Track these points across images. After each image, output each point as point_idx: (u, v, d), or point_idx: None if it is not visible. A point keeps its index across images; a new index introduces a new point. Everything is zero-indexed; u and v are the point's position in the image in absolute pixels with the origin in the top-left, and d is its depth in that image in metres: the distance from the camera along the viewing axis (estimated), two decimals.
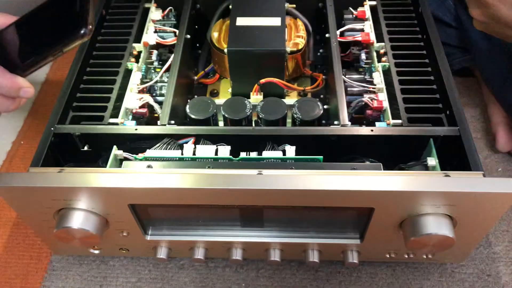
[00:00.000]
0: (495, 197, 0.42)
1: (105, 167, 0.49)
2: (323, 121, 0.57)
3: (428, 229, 0.44)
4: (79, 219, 0.45)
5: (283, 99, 0.56)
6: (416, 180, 0.42)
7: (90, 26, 0.40)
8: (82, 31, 0.39)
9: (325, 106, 0.60)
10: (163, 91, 0.59)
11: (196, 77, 0.67)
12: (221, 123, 0.57)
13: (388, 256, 0.53)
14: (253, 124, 0.56)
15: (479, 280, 0.55)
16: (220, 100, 0.62)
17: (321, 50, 0.69)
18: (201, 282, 0.56)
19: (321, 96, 0.64)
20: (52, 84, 0.79)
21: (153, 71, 0.61)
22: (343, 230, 0.51)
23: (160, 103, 0.56)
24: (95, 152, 0.52)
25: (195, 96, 0.65)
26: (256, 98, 0.60)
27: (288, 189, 0.42)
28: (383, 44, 0.59)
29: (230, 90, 0.64)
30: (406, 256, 0.53)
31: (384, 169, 0.47)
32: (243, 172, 0.44)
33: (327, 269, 0.57)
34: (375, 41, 0.59)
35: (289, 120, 0.56)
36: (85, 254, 0.57)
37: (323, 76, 0.64)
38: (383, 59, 0.58)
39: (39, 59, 0.42)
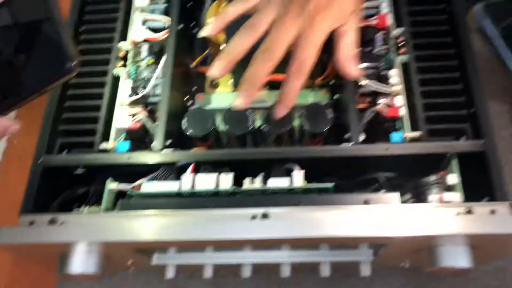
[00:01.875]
0: None
1: (102, 188, 0.47)
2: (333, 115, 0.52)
3: (445, 262, 0.42)
4: (80, 264, 0.43)
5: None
6: (434, 220, 0.39)
7: (75, 61, 0.35)
8: (66, 66, 0.35)
9: (334, 97, 0.55)
10: (158, 91, 0.54)
11: (193, 64, 0.61)
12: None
13: (402, 265, 0.52)
14: (259, 129, 0.51)
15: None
16: (220, 96, 0.57)
17: None
18: None
19: (331, 82, 0.58)
20: None
21: (145, 66, 0.55)
22: (356, 249, 0.48)
23: (155, 107, 0.51)
24: (90, 175, 0.49)
25: (195, 88, 0.60)
26: (262, 93, 0.55)
27: (295, 237, 0.39)
28: (403, 29, 0.51)
29: (231, 82, 0.58)
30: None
31: (401, 191, 0.44)
32: (247, 212, 0.41)
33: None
34: (393, 25, 0.52)
35: None
36: None
37: None
38: (402, 50, 0.50)
39: (19, 100, 0.37)
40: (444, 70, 0.48)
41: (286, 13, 0.43)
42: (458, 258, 0.42)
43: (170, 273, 0.51)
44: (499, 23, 0.40)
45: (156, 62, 0.54)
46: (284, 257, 0.49)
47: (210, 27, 0.47)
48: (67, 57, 0.35)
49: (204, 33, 0.47)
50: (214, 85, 0.60)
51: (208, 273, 0.51)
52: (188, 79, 0.60)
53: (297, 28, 0.43)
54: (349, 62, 0.45)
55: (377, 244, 0.46)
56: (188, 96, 0.58)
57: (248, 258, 0.50)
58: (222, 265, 0.50)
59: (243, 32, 0.44)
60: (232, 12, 0.46)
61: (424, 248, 0.43)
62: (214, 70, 0.44)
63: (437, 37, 0.50)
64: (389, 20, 0.52)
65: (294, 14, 0.43)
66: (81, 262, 0.43)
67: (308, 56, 0.43)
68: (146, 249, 0.46)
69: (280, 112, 0.46)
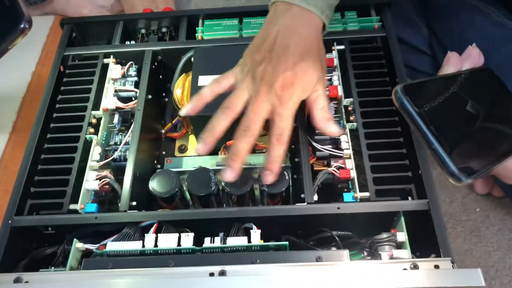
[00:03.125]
0: None
1: (69, 249, 0.48)
2: (294, 176, 0.56)
3: None
4: None
5: (249, 166, 0.55)
6: (380, 275, 0.42)
7: (27, 25, 0.40)
8: (21, 26, 0.39)
9: (296, 159, 0.58)
10: (127, 154, 0.57)
11: (163, 131, 0.65)
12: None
13: None
14: (221, 193, 0.54)
15: None
16: (188, 159, 0.61)
17: None
18: None
19: (292, 146, 0.62)
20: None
21: (116, 133, 0.59)
22: None
23: (123, 171, 0.54)
24: (59, 234, 0.51)
25: (163, 153, 0.64)
26: (224, 157, 0.59)
27: None
28: (351, 99, 0.56)
29: None
30: None
31: (357, 248, 0.48)
32: (205, 269, 0.43)
33: None
34: (343, 96, 0.57)
35: None
36: None
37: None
38: (352, 117, 0.55)
39: None
40: (389, 136, 0.53)
41: (257, 93, 0.48)
42: None
43: None
44: (418, 103, 0.44)
45: (127, 129, 0.58)
46: None
47: (188, 108, 0.51)
48: (21, 17, 0.39)
49: (182, 113, 0.51)
50: (183, 149, 0.64)
51: None
52: (158, 144, 0.64)
53: (269, 104, 0.48)
54: (327, 124, 0.50)
55: None
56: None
57: None
58: None
59: (221, 112, 0.49)
60: (208, 93, 0.51)
61: None
62: (199, 147, 0.48)
63: (382, 106, 0.55)
64: (340, 91, 0.57)
65: (264, 93, 0.48)
66: None
67: (284, 128, 0.48)
68: None
69: (269, 179, 0.49)
